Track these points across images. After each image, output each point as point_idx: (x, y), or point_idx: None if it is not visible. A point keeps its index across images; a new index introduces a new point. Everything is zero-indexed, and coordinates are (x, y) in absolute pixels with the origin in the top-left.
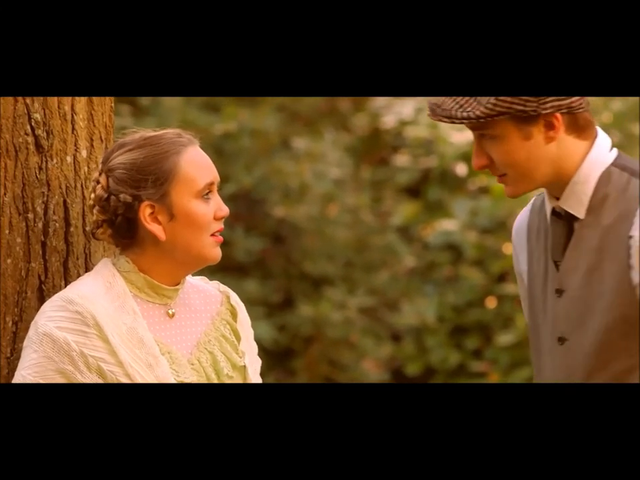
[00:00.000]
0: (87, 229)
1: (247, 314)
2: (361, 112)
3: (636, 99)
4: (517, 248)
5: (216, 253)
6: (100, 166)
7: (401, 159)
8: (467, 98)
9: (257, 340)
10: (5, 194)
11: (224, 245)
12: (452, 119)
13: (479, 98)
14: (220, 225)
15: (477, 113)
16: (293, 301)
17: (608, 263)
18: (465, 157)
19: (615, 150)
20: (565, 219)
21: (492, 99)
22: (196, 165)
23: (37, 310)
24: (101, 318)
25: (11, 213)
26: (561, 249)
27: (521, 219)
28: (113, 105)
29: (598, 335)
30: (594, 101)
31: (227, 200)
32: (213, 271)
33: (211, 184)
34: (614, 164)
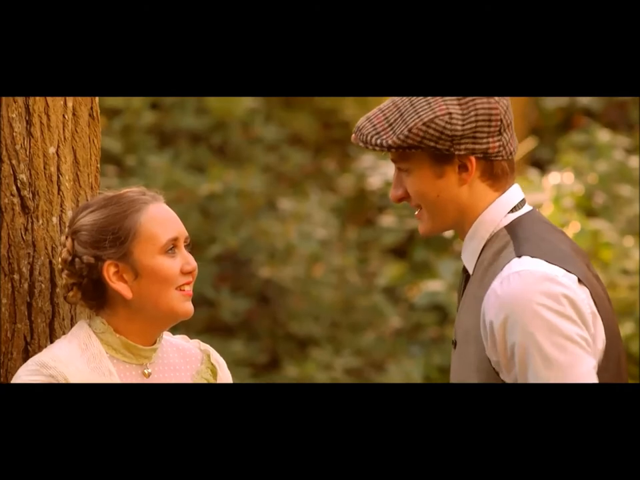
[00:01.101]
0: None
1: (228, 372)
2: (346, 173)
3: (620, 160)
4: None
5: (186, 308)
6: (66, 229)
7: (387, 220)
8: (384, 125)
9: None
10: None
11: (210, 306)
12: (366, 145)
13: (395, 127)
14: (187, 279)
15: (389, 142)
16: (279, 362)
17: (474, 327)
18: None
19: (524, 210)
20: (464, 271)
21: (405, 131)
22: (157, 221)
23: None
24: (75, 381)
25: None
26: (458, 300)
27: None
28: (98, 165)
29: None
30: (580, 161)
31: (213, 261)
32: (199, 331)
33: (175, 239)
34: (507, 225)
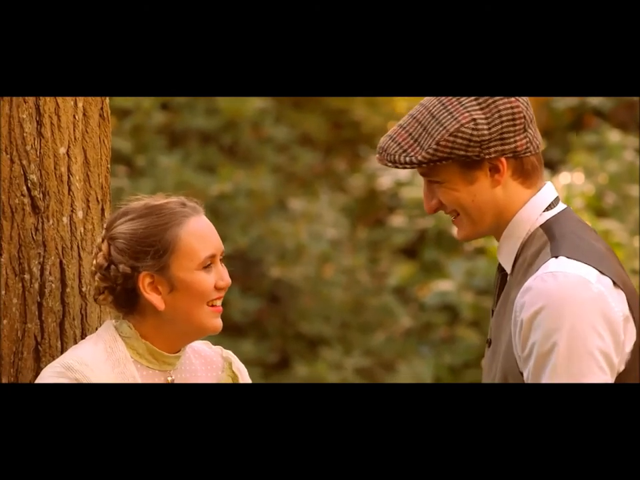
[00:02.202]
0: (83, 289)
1: (249, 380)
2: (356, 173)
3: (631, 160)
4: None
5: (216, 324)
6: (103, 232)
7: (397, 220)
8: (410, 142)
9: None
10: (1, 255)
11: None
12: (395, 164)
13: (421, 142)
14: (219, 294)
15: (419, 158)
16: (289, 362)
17: (506, 326)
18: None
19: (559, 208)
20: (499, 270)
21: (432, 145)
22: (197, 236)
23: (33, 371)
24: None
25: (7, 274)
26: (495, 299)
27: None
28: (109, 166)
29: None
30: (590, 161)
31: (223, 260)
32: None
33: (213, 256)
34: (543, 225)
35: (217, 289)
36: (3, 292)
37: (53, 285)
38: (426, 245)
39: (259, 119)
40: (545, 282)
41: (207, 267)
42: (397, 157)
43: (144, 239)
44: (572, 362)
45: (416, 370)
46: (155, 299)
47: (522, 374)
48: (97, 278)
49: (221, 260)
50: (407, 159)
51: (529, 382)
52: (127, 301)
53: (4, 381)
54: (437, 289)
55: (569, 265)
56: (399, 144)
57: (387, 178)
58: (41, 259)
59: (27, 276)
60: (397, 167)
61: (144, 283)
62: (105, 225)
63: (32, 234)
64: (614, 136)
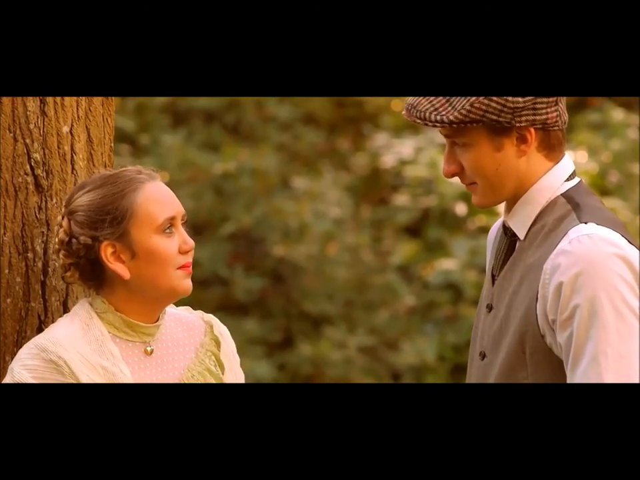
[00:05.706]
0: None
1: (232, 343)
2: (360, 151)
3: (634, 138)
4: (487, 255)
5: (186, 285)
6: (63, 209)
7: (401, 199)
8: (442, 101)
9: (257, 379)
10: (4, 233)
11: (224, 285)
12: (425, 121)
13: (454, 102)
14: (187, 259)
15: (450, 117)
16: (293, 340)
17: (525, 289)
18: (465, 197)
19: (576, 180)
20: (509, 236)
21: (466, 105)
22: (154, 200)
23: None
24: (75, 365)
25: (11, 253)
26: (500, 264)
27: (495, 225)
28: (112, 144)
29: (503, 359)
30: (594, 140)
31: (227, 239)
32: (213, 310)
33: (172, 218)
34: (564, 194)
35: (181, 253)
36: (7, 271)
37: (57, 264)
38: (429, 224)
39: (262, 97)
40: (583, 244)
41: (167, 230)
42: (427, 114)
43: (101, 208)
44: (619, 323)
45: (419, 348)
46: (119, 267)
47: (542, 336)
48: (61, 255)
49: (183, 224)
50: (438, 117)
51: (570, 342)
52: (92, 274)
53: (7, 359)
54: (440, 267)
55: (601, 230)
56: (431, 102)
57: (391, 157)
58: (44, 238)
59: (30, 255)
60: (425, 125)
61: (106, 253)
62: (64, 202)
63: (35, 213)
64: (617, 114)
